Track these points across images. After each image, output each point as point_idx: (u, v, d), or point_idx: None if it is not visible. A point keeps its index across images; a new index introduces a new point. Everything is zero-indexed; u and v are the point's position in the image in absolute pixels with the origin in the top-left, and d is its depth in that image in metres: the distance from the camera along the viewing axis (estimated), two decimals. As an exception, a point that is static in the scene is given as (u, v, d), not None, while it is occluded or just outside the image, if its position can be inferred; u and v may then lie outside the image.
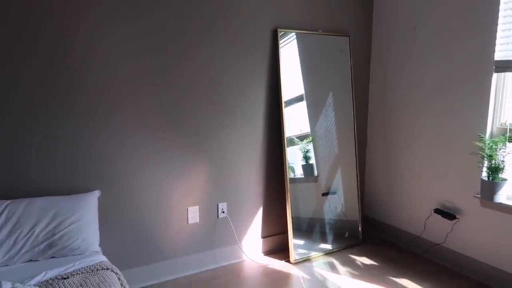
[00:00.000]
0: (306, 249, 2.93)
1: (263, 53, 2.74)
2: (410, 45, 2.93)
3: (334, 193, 3.12)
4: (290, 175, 2.88)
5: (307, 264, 2.81)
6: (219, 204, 2.71)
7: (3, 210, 1.91)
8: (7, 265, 1.85)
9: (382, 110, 3.22)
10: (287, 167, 2.82)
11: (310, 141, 3.01)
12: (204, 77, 2.53)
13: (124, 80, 2.28)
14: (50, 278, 1.72)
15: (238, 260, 2.83)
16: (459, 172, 2.66)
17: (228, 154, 2.70)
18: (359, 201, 3.20)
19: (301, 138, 3.00)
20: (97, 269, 1.82)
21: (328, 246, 3.02)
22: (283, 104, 2.80)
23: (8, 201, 1.95)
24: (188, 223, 2.60)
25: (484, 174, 2.47)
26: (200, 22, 2.47)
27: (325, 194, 3.08)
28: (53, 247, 1.93)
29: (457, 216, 2.67)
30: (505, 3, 2.33)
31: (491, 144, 2.38)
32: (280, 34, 2.77)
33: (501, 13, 2.34)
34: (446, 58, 2.67)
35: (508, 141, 2.33)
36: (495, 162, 2.37)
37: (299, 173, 3.03)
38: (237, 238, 2.81)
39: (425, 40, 2.81)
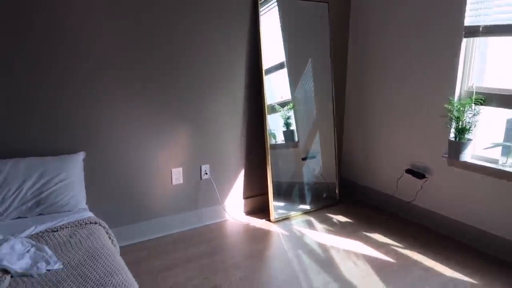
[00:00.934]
0: (285, 210, 3.08)
1: (244, 21, 2.77)
2: (387, 12, 3.00)
3: (314, 157, 3.25)
4: (271, 141, 2.98)
5: (286, 222, 2.97)
6: (202, 166, 2.80)
7: (-12, 170, 1.93)
8: (-4, 221, 1.89)
9: (360, 76, 3.32)
10: (267, 133, 2.91)
11: (291, 108, 3.10)
12: (186, 47, 2.56)
13: (106, 47, 2.29)
14: (40, 231, 1.80)
15: (221, 220, 2.97)
16: (429, 134, 2.81)
17: (212, 120, 2.78)
18: (336, 164, 3.35)
19: (283, 105, 3.08)
20: (86, 223, 1.91)
21: (306, 207, 3.18)
22: (264, 72, 2.86)
23: (-7, 161, 1.97)
24: (172, 184, 2.69)
25: (452, 135, 2.62)
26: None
27: (304, 159, 3.21)
28: (41, 205, 1.99)
29: (426, 175, 2.85)
30: (476, -31, 2.41)
31: (459, 107, 2.52)
32: (261, 2, 2.79)
33: (472, -20, 2.42)
34: (420, 25, 2.76)
35: (474, 103, 2.48)
36: (462, 123, 2.52)
37: (280, 139, 3.14)
38: (220, 199, 2.93)
39: (401, 7, 2.88)
